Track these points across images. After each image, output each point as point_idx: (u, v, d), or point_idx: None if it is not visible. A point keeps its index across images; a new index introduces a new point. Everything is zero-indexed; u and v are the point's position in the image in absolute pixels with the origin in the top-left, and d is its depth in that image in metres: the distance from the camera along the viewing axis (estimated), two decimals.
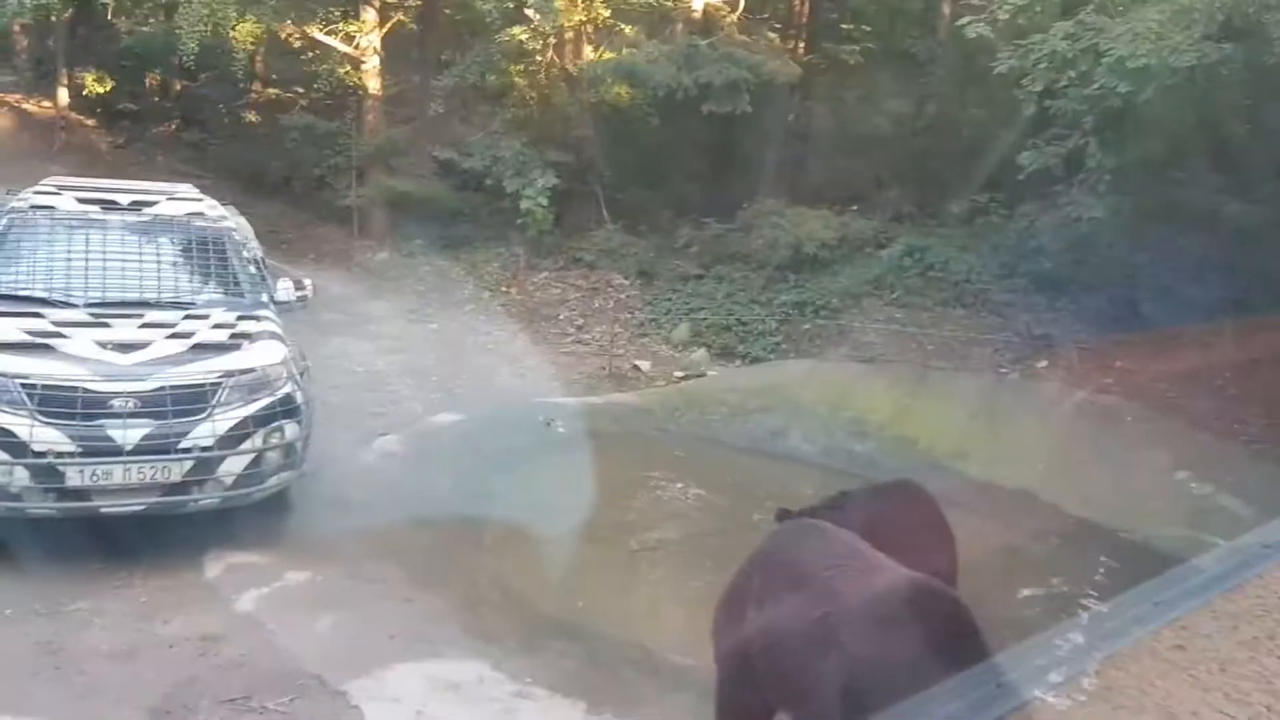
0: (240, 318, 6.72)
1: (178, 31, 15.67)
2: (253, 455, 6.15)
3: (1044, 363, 11.05)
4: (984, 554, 8.86)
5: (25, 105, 22.69)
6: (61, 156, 20.49)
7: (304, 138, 18.35)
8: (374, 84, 17.40)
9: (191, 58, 15.67)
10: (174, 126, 22.42)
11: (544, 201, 14.13)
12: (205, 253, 7.08)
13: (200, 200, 7.55)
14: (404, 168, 17.61)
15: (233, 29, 16.15)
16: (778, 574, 4.01)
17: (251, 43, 16.86)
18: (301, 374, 6.75)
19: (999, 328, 11.54)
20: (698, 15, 15.37)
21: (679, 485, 9.68)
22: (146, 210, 7.15)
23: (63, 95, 21.73)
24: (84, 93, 21.83)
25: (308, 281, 7.71)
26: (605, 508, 8.75)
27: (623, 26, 14.91)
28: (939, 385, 11.03)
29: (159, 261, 6.85)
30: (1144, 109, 9.68)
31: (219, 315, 6.65)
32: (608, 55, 14.38)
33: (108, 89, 22.13)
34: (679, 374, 11.95)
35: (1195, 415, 10.20)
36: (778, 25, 15.69)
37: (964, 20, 10.41)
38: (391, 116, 18.19)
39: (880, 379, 11.22)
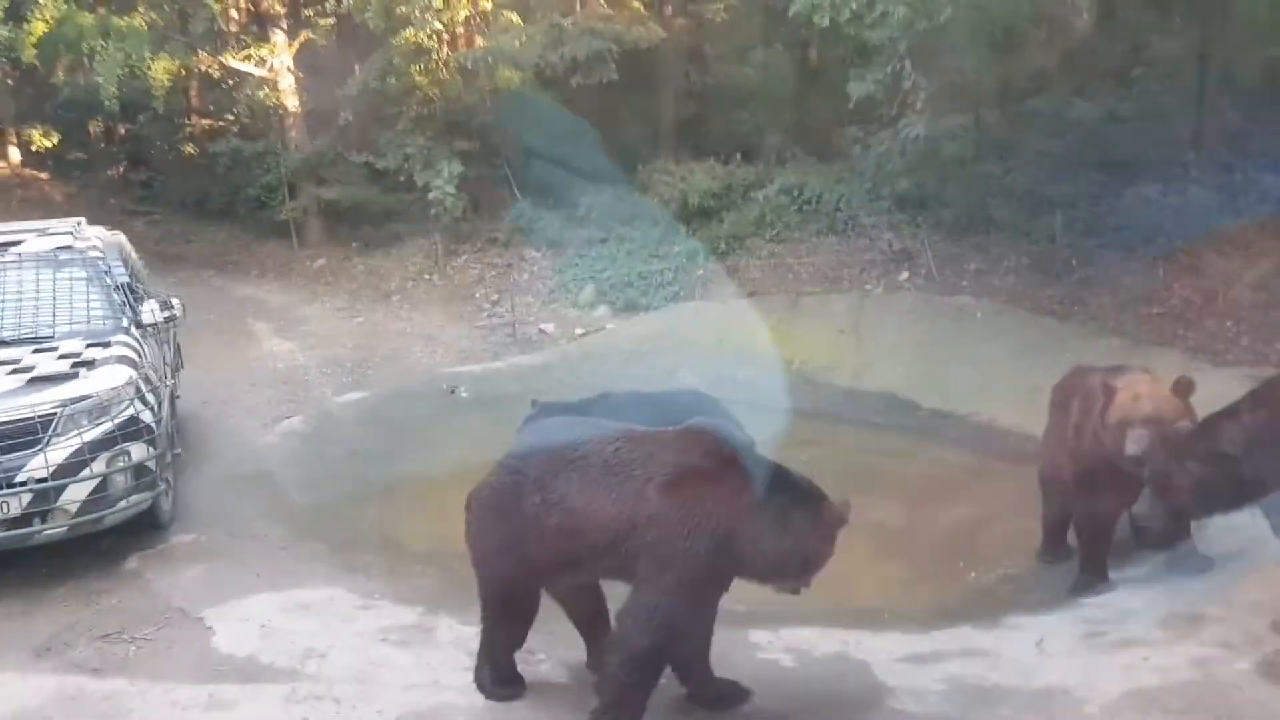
0: (90, 345, 6.83)
1: (98, 78, 16.52)
2: (96, 481, 6.26)
3: (905, 274, 11.89)
4: (846, 450, 9.79)
5: None
6: (20, 212, 21.42)
7: (234, 161, 19.20)
8: (292, 101, 18.21)
9: (114, 100, 16.50)
10: (122, 169, 23.34)
11: (451, 189, 14.97)
12: (66, 286, 7.29)
13: (69, 234, 7.86)
14: (333, 177, 18.44)
15: (149, 68, 16.94)
16: (559, 456, 4.77)
17: (169, 79, 17.65)
18: (152, 393, 6.98)
19: (865, 248, 12.36)
20: None
21: None
22: (11, 250, 7.44)
23: (14, 154, 22.69)
24: (33, 149, 22.76)
25: (175, 301, 8.09)
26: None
27: (506, 14, 15.68)
28: (811, 309, 11.90)
29: (20, 299, 7.10)
30: (952, 29, 10.43)
31: (69, 345, 6.81)
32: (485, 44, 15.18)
33: (55, 142, 23.08)
34: (579, 331, 12.85)
35: (1039, 303, 11.05)
36: None
37: None
38: (316, 129, 18.97)
39: (759, 310, 12.07)
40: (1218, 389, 6.58)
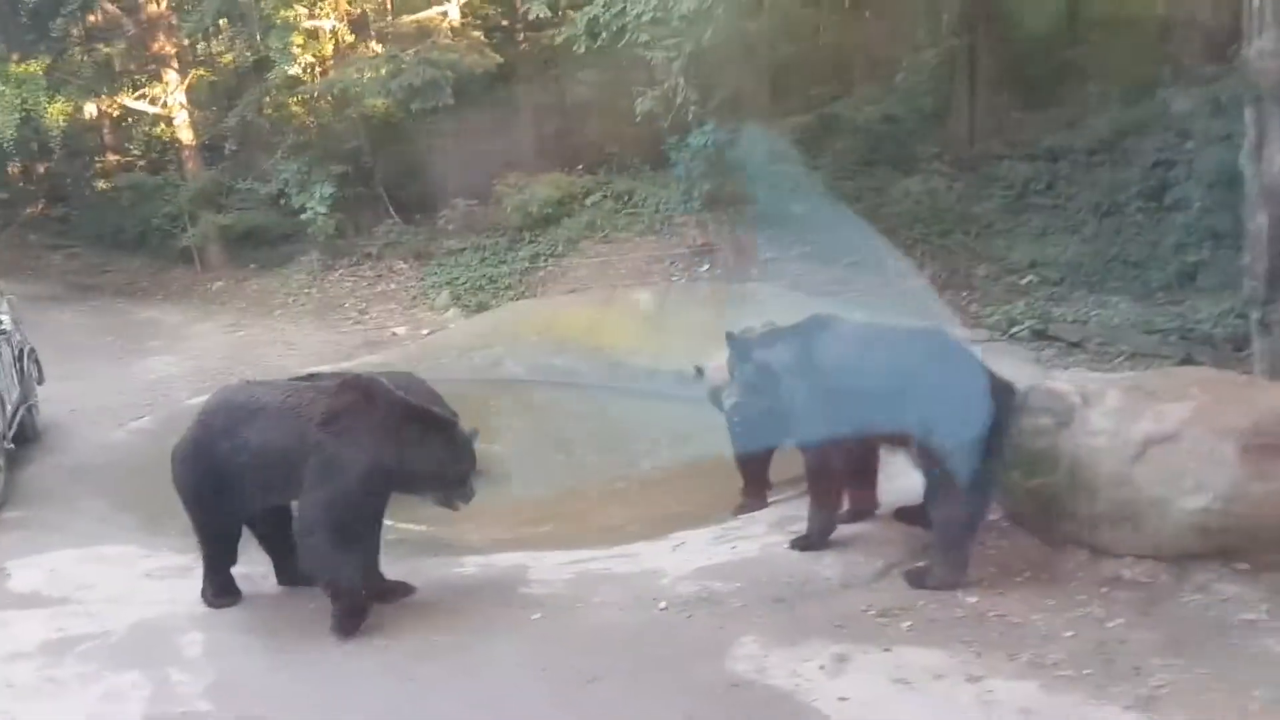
0: None
1: None
2: None
3: (705, 266, 13.31)
4: (628, 416, 11.19)
5: None
6: None
7: (138, 194, 20.45)
8: (186, 135, 19.53)
9: (10, 143, 17.70)
10: (41, 206, 24.51)
11: (323, 209, 16.33)
12: None
13: None
14: (230, 204, 19.72)
15: (45, 111, 18.20)
16: (242, 411, 6.16)
17: (65, 120, 18.90)
18: None
19: (676, 245, 13.79)
20: (448, 24, 17.50)
21: None
22: None
23: None
24: None
25: (5, 318, 9.87)
26: None
27: (371, 45, 17.08)
28: (624, 301, 13.28)
29: None
30: (720, 49, 11.87)
31: None
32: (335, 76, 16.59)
33: None
34: (425, 332, 14.21)
35: (814, 285, 12.43)
36: (505, 22, 17.89)
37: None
38: (210, 160, 20.25)
39: (580, 305, 13.47)
40: None
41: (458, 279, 15.41)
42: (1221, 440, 5.65)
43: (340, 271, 17.12)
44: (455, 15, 17.45)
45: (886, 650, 5.30)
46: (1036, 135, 13.80)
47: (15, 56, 18.56)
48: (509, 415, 11.96)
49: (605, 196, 15.03)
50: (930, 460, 5.84)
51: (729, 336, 7.06)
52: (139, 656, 5.74)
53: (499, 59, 15.95)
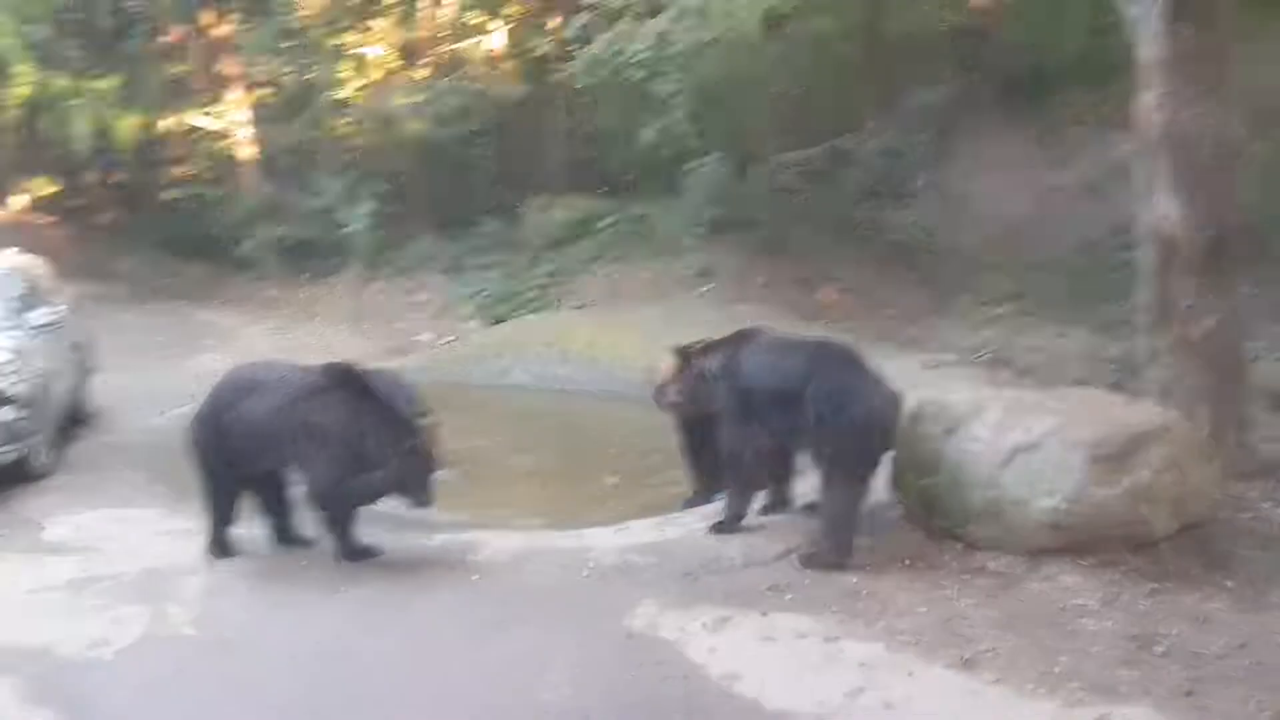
0: None
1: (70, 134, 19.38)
2: None
3: (705, 288, 14.24)
4: (619, 422, 12.10)
5: None
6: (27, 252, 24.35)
7: (199, 205, 21.96)
8: (246, 152, 20.99)
9: (87, 153, 19.28)
10: (113, 214, 26.22)
11: (362, 224, 17.61)
12: None
13: None
14: (285, 217, 21.10)
15: (117, 124, 19.77)
16: (243, 386, 7.31)
17: (134, 134, 20.46)
18: (15, 373, 9.26)
19: (681, 267, 14.75)
20: (485, 53, 18.76)
21: None
22: None
23: (19, 202, 25.63)
24: (34, 197, 25.70)
25: (61, 307, 11.05)
26: None
27: (413, 72, 18.41)
28: (626, 318, 14.25)
29: None
30: (722, 86, 12.84)
31: None
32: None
33: (55, 192, 26.03)
34: (444, 340, 15.34)
35: (803, 310, 13.32)
36: (541, 53, 19.08)
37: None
38: (268, 175, 21.68)
39: (585, 320, 14.51)
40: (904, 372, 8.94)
41: (482, 292, 16.55)
42: (1073, 450, 6.46)
43: (379, 282, 18.36)
44: (499, 45, 18.72)
45: (764, 615, 6.18)
46: (1034, 172, 14.53)
47: (90, 72, 20.20)
48: (507, 416, 12.98)
49: (620, 219, 16.07)
50: (819, 456, 6.72)
51: (675, 349, 7.93)
52: (144, 593, 6.82)
53: (526, 88, 17.13)
